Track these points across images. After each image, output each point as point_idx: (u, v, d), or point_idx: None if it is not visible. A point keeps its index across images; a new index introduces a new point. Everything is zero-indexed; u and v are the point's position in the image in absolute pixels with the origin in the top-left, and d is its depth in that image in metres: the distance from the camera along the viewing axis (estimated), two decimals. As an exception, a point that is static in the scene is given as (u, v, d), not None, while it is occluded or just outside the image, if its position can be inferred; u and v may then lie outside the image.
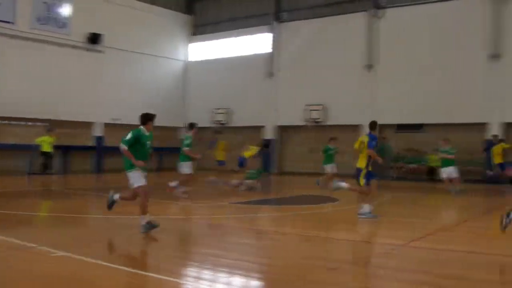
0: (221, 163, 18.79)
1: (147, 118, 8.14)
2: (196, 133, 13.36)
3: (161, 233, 7.84)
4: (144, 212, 7.83)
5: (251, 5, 27.77)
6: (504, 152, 17.61)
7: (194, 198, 12.95)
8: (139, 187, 7.92)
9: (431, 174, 21.78)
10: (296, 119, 25.51)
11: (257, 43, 27.63)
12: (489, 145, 18.61)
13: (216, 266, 5.94)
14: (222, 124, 28.09)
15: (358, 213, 9.66)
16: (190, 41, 30.24)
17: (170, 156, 29.35)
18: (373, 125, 10.08)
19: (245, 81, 27.34)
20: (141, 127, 8.11)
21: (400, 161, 22.86)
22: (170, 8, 29.01)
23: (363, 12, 23.79)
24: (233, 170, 17.30)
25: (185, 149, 12.79)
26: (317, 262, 6.01)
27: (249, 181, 15.27)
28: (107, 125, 25.69)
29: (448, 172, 15.03)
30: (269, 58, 26.82)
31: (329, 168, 16.68)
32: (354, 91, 23.58)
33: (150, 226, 7.79)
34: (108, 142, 25.11)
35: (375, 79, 23.38)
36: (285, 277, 5.45)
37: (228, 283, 5.34)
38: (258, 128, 27.02)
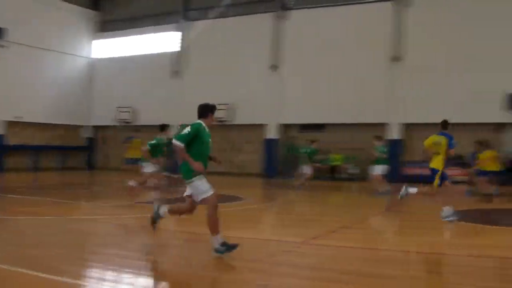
0: (130, 161, 18.00)
1: (207, 109, 6.42)
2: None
3: (64, 234, 7.57)
4: (216, 230, 6.15)
5: (159, 3, 27.45)
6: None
7: (99, 198, 12.59)
8: (208, 197, 6.17)
9: (334, 173, 22.72)
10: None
11: (164, 41, 27.33)
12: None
13: (120, 266, 5.85)
14: (128, 122, 27.47)
15: (441, 216, 9.21)
16: (96, 37, 29.27)
17: (74, 156, 28.36)
18: (446, 124, 9.75)
19: (151, 80, 26.98)
20: (201, 120, 6.35)
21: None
22: (75, 3, 27.87)
23: (270, 13, 24.30)
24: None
25: (144, 148, 12.46)
26: (221, 261, 6.12)
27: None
28: (9, 123, 24.26)
29: (381, 170, 14.66)
30: (176, 57, 26.63)
31: (306, 169, 16.58)
32: (260, 91, 24.04)
33: (228, 247, 6.16)
34: (11, 141, 23.72)
35: (280, 80, 23.98)
36: (190, 277, 5.51)
37: (132, 284, 5.30)
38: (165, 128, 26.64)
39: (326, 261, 6.25)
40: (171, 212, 6.82)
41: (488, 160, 13.74)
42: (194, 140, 6.14)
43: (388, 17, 21.79)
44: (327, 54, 22.89)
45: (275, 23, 24.29)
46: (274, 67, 24.18)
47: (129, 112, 27.42)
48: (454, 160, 20.21)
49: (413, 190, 9.76)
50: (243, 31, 24.71)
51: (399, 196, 10.01)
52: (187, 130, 6.16)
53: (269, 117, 23.93)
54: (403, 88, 21.27)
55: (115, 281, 5.30)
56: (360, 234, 8.31)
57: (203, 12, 26.24)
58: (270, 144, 23.94)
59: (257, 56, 24.33)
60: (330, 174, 22.89)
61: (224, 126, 25.34)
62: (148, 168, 12.33)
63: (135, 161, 17.98)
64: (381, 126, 21.51)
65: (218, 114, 24.84)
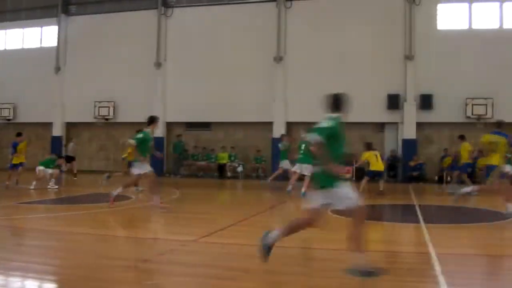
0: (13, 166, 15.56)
1: (339, 103, 5.46)
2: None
3: None
4: (361, 248, 5.11)
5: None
6: None
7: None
8: (356, 206, 5.14)
9: (221, 171, 22.98)
10: (85, 116, 24.58)
11: (43, 36, 25.83)
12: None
13: (6, 270, 5.49)
14: (8, 120, 25.67)
15: (506, 212, 9.30)
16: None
17: None
18: (501, 124, 10.06)
19: (30, 75, 25.34)
20: (334, 115, 5.36)
21: (190, 158, 23.64)
22: None
23: (153, 10, 23.92)
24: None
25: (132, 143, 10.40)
26: (109, 262, 5.97)
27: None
28: None
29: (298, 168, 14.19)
30: (56, 52, 25.27)
31: (285, 164, 15.79)
32: (144, 88, 23.62)
33: (369, 273, 5.04)
34: None
35: (164, 77, 23.73)
36: (78, 278, 5.32)
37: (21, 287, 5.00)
38: (46, 125, 25.36)
39: (215, 259, 6.33)
40: (287, 233, 5.61)
41: (371, 160, 14.74)
42: (331, 140, 5.07)
43: (271, 17, 22.44)
44: (212, 53, 23.11)
45: (158, 19, 23.95)
46: (158, 64, 23.86)
47: (9, 108, 26.13)
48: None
49: (468, 189, 10.31)
50: (126, 27, 24.10)
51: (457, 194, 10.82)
52: (326, 123, 5.18)
53: (154, 114, 23.59)
54: (287, 87, 22.06)
55: (3, 285, 4.97)
56: (247, 232, 8.48)
57: (84, 7, 25.21)
58: (155, 142, 23.50)
59: (141, 53, 23.83)
60: (217, 173, 23.15)
61: (108, 124, 24.58)
62: (138, 168, 10.33)
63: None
64: (267, 124, 22.13)
65: (101, 111, 24.32)
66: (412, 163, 20.62)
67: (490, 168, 10.24)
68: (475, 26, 21.07)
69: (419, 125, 21.21)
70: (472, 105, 20.38)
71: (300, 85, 21.66)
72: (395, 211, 12.28)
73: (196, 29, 23.18)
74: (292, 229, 5.61)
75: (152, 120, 10.49)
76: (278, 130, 21.20)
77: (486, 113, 20.16)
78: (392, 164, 21.46)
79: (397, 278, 5.37)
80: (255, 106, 22.13)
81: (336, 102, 5.46)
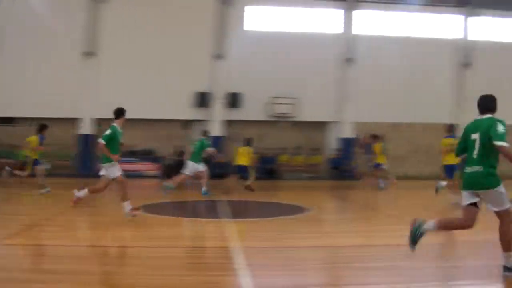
0: None
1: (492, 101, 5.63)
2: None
3: None
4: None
5: None
6: None
7: None
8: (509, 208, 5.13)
9: (23, 169, 21.18)
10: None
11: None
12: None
13: None
14: None
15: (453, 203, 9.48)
16: None
17: None
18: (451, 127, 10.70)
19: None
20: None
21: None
22: None
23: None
24: None
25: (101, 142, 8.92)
26: None
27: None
28: None
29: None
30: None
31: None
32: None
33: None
34: None
35: None
36: None
37: None
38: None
39: (18, 261, 5.98)
40: (442, 227, 5.63)
41: (241, 156, 15.02)
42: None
43: (82, 11, 21.17)
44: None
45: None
46: None
47: None
48: (147, 155, 21.36)
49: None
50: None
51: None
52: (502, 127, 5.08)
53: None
54: (98, 82, 21.13)
55: None
56: (52, 232, 7.87)
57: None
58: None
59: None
60: (20, 170, 21.08)
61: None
62: (112, 170, 8.98)
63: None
64: (75, 120, 20.97)
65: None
66: (220, 160, 21.19)
67: (450, 167, 11.87)
68: (281, 29, 22.55)
69: (227, 123, 21.88)
70: (277, 104, 21.72)
71: (112, 82, 20.87)
72: (200, 207, 12.46)
73: None
74: (448, 227, 5.90)
75: (120, 113, 9.28)
76: (85, 128, 20.24)
77: (290, 112, 21.75)
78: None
79: (200, 273, 5.51)
80: (63, 102, 20.59)
81: (486, 104, 5.69)
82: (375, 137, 16.72)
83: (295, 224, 9.43)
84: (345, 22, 22.86)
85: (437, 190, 12.14)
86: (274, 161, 22.14)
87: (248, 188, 14.70)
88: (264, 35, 22.19)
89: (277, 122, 21.57)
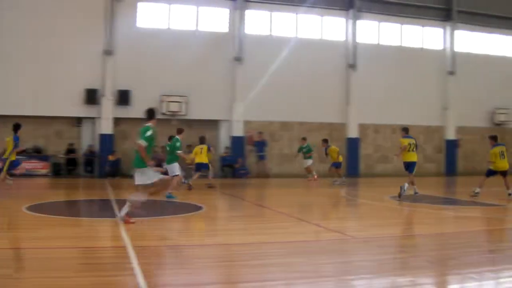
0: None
1: None
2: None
3: None
4: None
5: None
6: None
7: None
8: None
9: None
10: None
11: None
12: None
13: None
14: None
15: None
16: None
17: None
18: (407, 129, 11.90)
19: None
20: None
21: None
22: None
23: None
24: None
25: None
26: None
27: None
28: None
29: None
30: None
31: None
32: None
33: None
34: None
35: None
36: None
37: None
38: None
39: None
40: None
41: (198, 154, 15.97)
42: None
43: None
44: None
45: None
46: None
47: None
48: (36, 154, 20.54)
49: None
50: None
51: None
52: None
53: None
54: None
55: None
56: None
57: None
58: None
59: None
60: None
61: None
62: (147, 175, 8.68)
63: None
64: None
65: None
66: (111, 158, 20.91)
67: (411, 164, 13.93)
68: (172, 26, 23.16)
69: (116, 121, 22.19)
70: (168, 102, 22.28)
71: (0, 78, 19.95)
72: (92, 206, 12.71)
73: None
74: None
75: (153, 113, 9.23)
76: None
77: (181, 110, 22.45)
78: (89, 159, 21.43)
79: (93, 274, 5.54)
80: None
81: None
82: (326, 141, 19.09)
83: (189, 223, 9.83)
84: (235, 22, 24.05)
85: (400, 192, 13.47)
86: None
87: (210, 186, 16.00)
88: (155, 32, 22.97)
89: (169, 120, 21.54)
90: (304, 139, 20.38)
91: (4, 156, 13.65)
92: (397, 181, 14.22)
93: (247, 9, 23.94)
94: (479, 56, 28.48)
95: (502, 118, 28.59)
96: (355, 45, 25.47)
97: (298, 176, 21.98)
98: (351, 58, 25.44)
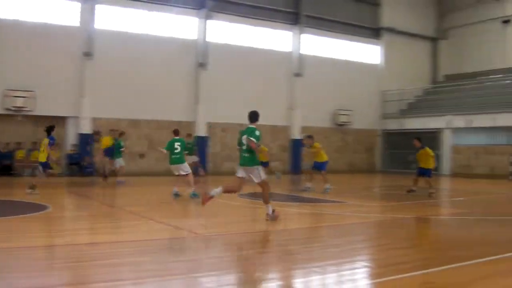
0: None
1: None
2: None
3: None
4: None
5: None
6: None
7: None
8: None
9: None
10: None
11: None
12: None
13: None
14: None
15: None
16: None
17: None
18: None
19: None
20: None
21: None
22: None
23: None
24: None
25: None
26: None
27: None
28: None
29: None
30: None
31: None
32: None
33: None
34: None
35: None
36: None
37: None
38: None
39: None
40: None
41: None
42: None
43: None
44: None
45: None
46: None
47: None
48: None
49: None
50: None
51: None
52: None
53: None
54: None
55: None
56: None
57: None
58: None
59: None
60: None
61: None
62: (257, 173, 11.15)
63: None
64: None
65: None
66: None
67: (323, 164, 18.43)
68: (20, 17, 25.06)
69: None
70: (12, 97, 24.29)
71: None
72: None
73: None
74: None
75: (258, 116, 12.02)
76: None
77: (27, 106, 24.56)
78: None
79: None
80: None
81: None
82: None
83: (32, 223, 10.37)
84: (85, 16, 26.51)
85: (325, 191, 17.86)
86: (10, 157, 23.90)
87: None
88: (1, 24, 24.44)
89: (13, 116, 23.31)
90: (189, 135, 23.52)
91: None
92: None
93: (98, 3, 26.69)
94: (324, 59, 34.46)
95: (343, 119, 34.61)
96: (206, 45, 29.45)
97: (147, 175, 24.90)
98: (202, 57, 29.46)
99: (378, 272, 7.13)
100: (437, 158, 32.18)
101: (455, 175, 31.32)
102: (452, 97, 35.25)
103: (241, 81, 30.64)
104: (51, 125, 16.53)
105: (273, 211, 11.00)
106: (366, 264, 7.90)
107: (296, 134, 32.58)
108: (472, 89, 35.13)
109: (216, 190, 10.90)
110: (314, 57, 33.94)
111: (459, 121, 32.25)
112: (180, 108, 28.83)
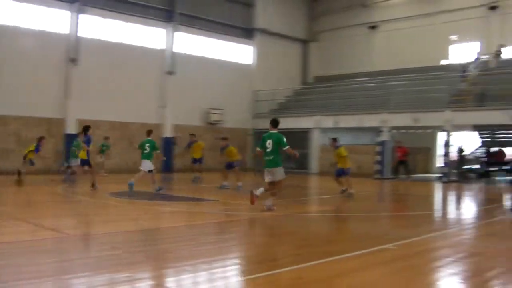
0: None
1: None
2: None
3: None
4: None
5: None
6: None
7: None
8: None
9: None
10: None
11: None
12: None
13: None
14: None
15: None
16: None
17: None
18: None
19: None
20: None
21: None
22: None
23: None
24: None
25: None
26: None
27: None
28: None
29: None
30: None
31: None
32: None
33: None
34: None
35: None
36: None
37: None
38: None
39: None
40: None
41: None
42: None
43: None
44: None
45: None
46: None
47: None
48: None
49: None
50: None
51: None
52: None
53: None
54: None
55: None
56: None
57: None
58: None
59: None
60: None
61: None
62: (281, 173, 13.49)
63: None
64: None
65: None
66: None
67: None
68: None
69: None
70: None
71: None
72: None
73: None
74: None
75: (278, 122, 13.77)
76: None
77: None
78: None
79: None
80: None
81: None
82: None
83: None
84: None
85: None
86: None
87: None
88: None
89: None
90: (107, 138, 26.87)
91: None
92: (118, 178, 16.96)
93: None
94: (198, 58, 35.76)
95: (216, 118, 35.27)
96: (78, 39, 28.91)
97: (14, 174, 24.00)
98: (73, 52, 29.04)
99: (249, 269, 7.53)
100: (307, 157, 33.88)
101: (323, 173, 32.79)
102: (321, 98, 38.02)
103: (112, 77, 31.34)
104: (87, 125, 19.05)
105: (273, 205, 13.33)
106: (237, 261, 8.25)
107: (168, 133, 32.60)
108: (340, 91, 38.52)
109: (260, 190, 13.30)
110: (187, 55, 35.67)
111: (327, 121, 34.89)
112: (49, 104, 28.76)
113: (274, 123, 13.64)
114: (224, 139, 21.63)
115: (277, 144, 13.10)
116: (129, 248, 8.63)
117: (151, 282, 6.70)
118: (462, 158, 31.59)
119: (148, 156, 17.94)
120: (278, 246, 9.28)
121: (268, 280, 6.58)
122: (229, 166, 20.95)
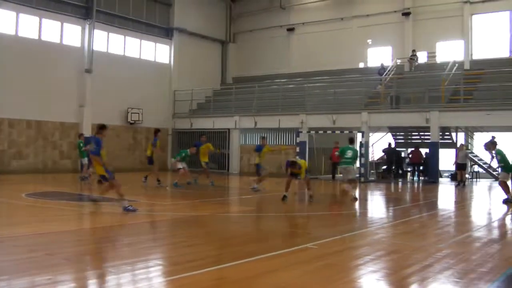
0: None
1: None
2: None
3: None
4: None
5: None
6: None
7: None
8: None
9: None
10: None
11: None
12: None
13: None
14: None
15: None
16: None
17: None
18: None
19: None
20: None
21: None
22: None
23: None
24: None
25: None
26: None
27: None
28: None
29: None
30: None
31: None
32: None
33: None
34: None
35: None
36: None
37: None
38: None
39: None
40: None
41: None
42: None
43: None
44: None
45: None
46: None
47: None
48: None
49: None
50: None
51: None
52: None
53: None
54: None
55: None
56: None
57: None
58: None
59: None
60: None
61: None
62: None
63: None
64: None
65: None
66: None
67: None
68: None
69: None
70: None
71: None
72: None
73: None
74: None
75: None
76: None
77: None
78: None
79: None
80: None
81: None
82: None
83: None
84: None
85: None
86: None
87: None
88: None
89: None
90: (81, 135, 25.78)
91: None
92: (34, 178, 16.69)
93: None
94: (116, 56, 35.26)
95: (135, 117, 34.96)
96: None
97: None
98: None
99: (172, 270, 7.52)
100: (228, 157, 34.05)
101: (243, 174, 33.08)
102: (240, 99, 38.45)
103: (30, 75, 30.23)
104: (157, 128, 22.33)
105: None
106: (159, 262, 8.21)
107: (87, 132, 31.53)
108: (259, 92, 38.77)
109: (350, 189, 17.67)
110: (106, 53, 35.28)
111: (247, 122, 35.04)
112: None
113: (352, 140, 19.21)
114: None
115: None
116: (47, 251, 8.36)
117: (73, 285, 6.60)
118: (390, 158, 32.71)
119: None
120: (201, 246, 9.30)
121: (191, 280, 6.61)
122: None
